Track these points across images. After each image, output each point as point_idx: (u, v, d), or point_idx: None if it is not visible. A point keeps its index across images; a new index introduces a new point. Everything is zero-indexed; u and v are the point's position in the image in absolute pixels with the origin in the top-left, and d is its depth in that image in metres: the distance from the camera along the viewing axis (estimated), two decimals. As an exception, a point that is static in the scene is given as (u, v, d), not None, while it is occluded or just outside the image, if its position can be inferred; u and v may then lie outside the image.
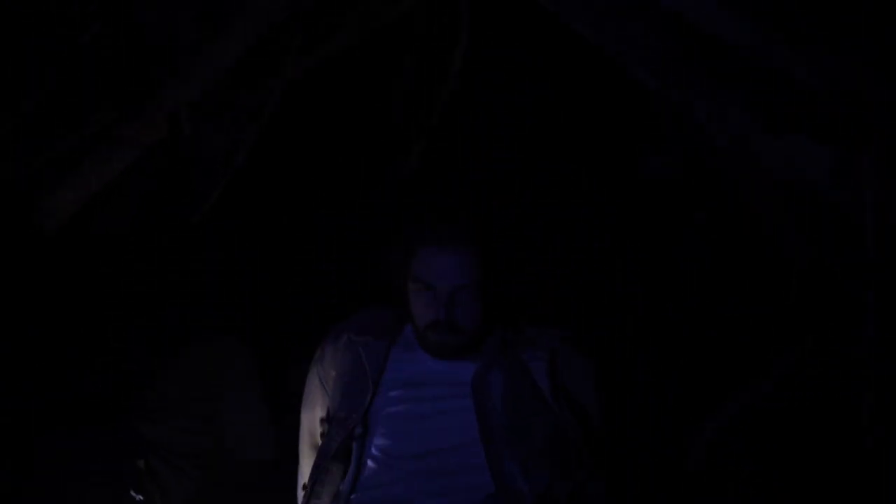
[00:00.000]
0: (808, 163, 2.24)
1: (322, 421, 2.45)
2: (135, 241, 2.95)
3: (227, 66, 2.59)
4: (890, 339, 2.25)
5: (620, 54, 2.37)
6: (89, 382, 2.85)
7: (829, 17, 2.19)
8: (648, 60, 2.34)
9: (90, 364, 2.86)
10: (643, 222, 3.12)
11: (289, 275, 3.27)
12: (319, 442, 2.43)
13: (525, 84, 3.21)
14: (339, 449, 2.32)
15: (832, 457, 2.43)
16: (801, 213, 2.35)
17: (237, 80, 2.67)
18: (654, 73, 2.35)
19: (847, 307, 2.30)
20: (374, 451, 2.31)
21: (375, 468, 2.29)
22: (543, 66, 3.19)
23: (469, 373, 2.34)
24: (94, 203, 2.66)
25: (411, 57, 2.95)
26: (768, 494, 2.63)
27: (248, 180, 2.90)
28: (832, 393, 2.42)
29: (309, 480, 2.34)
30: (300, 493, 2.43)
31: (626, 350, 3.00)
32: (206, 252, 3.15)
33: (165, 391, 2.85)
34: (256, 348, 2.97)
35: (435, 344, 2.36)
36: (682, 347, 2.96)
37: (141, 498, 2.70)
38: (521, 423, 2.30)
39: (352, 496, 2.27)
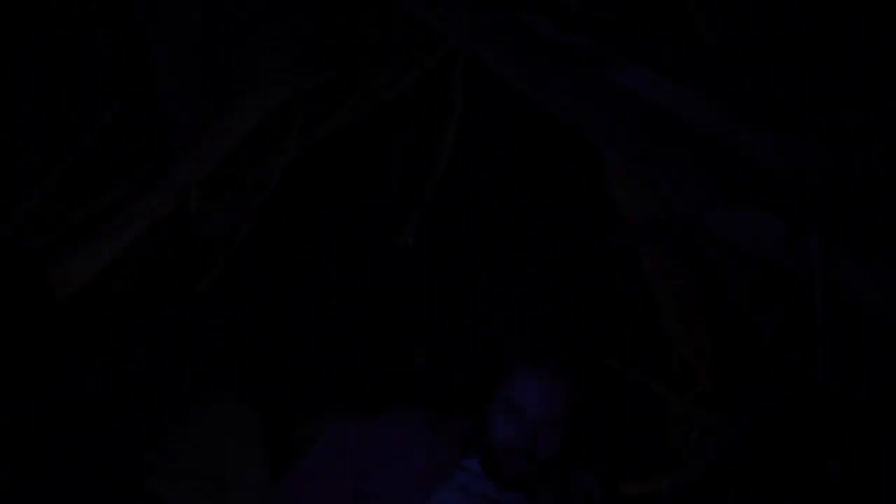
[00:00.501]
0: (762, 234, 2.40)
1: None
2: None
3: (233, 145, 2.73)
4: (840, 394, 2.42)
5: (588, 131, 2.50)
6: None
7: (781, 99, 2.37)
8: (612, 137, 2.46)
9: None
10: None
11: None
12: None
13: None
14: None
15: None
16: (755, 280, 2.46)
17: (240, 158, 2.78)
18: (618, 150, 2.49)
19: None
20: None
21: None
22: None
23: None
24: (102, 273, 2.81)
25: (404, 137, 3.04)
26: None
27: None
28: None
29: None
30: None
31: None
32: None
33: (170, 449, 2.91)
34: (259, 394, 3.00)
35: (507, 471, 2.21)
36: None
37: None
38: None
39: None
